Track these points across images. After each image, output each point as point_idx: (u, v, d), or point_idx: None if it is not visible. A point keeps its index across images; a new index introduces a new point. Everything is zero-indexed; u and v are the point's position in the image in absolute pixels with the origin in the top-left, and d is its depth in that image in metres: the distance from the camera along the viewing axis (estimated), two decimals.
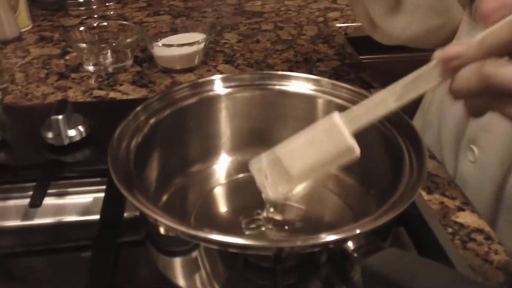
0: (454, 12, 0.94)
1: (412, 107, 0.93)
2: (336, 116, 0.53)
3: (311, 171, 0.56)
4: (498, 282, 0.62)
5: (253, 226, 0.64)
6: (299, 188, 0.58)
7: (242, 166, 0.74)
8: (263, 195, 0.59)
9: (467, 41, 0.45)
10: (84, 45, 1.10)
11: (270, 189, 0.58)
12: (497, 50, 0.43)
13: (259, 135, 0.74)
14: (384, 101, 0.51)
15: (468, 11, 0.85)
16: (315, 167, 0.56)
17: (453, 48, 0.45)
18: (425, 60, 0.49)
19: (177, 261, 0.58)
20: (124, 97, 1.02)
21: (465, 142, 0.83)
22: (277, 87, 0.72)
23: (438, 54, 0.46)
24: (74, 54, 1.18)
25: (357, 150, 0.53)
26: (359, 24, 1.35)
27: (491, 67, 0.42)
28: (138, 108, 0.65)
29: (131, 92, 1.03)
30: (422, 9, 0.96)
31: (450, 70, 0.46)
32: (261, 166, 0.58)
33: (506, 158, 0.75)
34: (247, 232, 0.64)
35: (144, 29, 1.13)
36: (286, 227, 0.64)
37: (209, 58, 1.16)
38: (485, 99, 0.45)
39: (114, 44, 1.13)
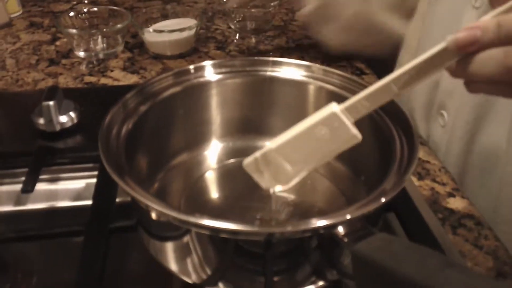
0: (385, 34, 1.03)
1: None
2: (335, 106, 0.52)
3: (309, 162, 0.55)
4: (487, 267, 0.62)
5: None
6: (297, 179, 0.57)
7: (233, 152, 0.74)
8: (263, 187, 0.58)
9: (479, 25, 0.44)
10: (74, 31, 1.09)
11: (268, 184, 0.58)
12: None
13: (250, 121, 0.74)
14: (387, 89, 0.50)
15: None
16: (314, 158, 0.55)
17: (468, 33, 0.44)
18: None
19: (169, 246, 0.58)
20: (115, 83, 1.02)
21: (435, 109, 0.86)
22: (268, 73, 0.72)
23: (451, 38, 0.45)
24: (65, 40, 1.17)
25: (360, 136, 0.53)
26: None
27: None
28: (128, 95, 0.65)
29: (122, 78, 1.03)
30: (354, 31, 1.05)
31: (461, 54, 0.45)
32: (257, 164, 0.57)
33: (472, 118, 0.77)
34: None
35: (134, 15, 1.12)
36: (280, 211, 0.64)
37: (200, 44, 1.16)
38: (499, 85, 0.45)
39: (104, 30, 1.12)
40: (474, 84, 0.47)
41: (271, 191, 0.58)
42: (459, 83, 0.47)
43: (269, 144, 0.56)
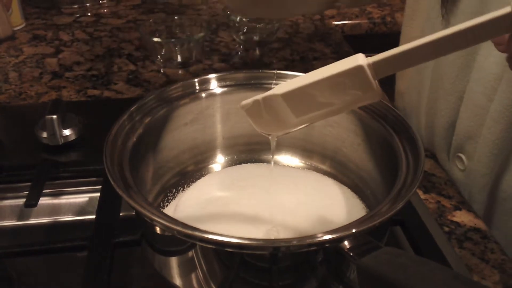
0: None
1: None
2: (363, 59, 0.46)
3: (315, 115, 0.51)
4: (494, 281, 0.62)
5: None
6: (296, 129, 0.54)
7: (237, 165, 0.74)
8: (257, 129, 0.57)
9: None
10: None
11: (264, 129, 0.56)
12: None
13: (255, 134, 0.74)
14: (428, 49, 0.43)
15: None
16: (321, 111, 0.51)
17: None
18: None
19: (174, 261, 0.57)
20: (119, 96, 1.01)
21: (453, 150, 0.80)
22: (273, 86, 0.72)
23: None
24: (67, 52, 1.17)
25: (381, 95, 0.48)
26: (357, 22, 1.35)
27: None
28: (133, 108, 0.65)
29: (126, 91, 1.03)
30: None
31: None
32: (256, 106, 0.53)
33: (494, 166, 0.73)
34: None
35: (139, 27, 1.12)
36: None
37: (204, 57, 1.16)
38: None
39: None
40: None
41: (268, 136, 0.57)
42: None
43: (276, 88, 0.52)
